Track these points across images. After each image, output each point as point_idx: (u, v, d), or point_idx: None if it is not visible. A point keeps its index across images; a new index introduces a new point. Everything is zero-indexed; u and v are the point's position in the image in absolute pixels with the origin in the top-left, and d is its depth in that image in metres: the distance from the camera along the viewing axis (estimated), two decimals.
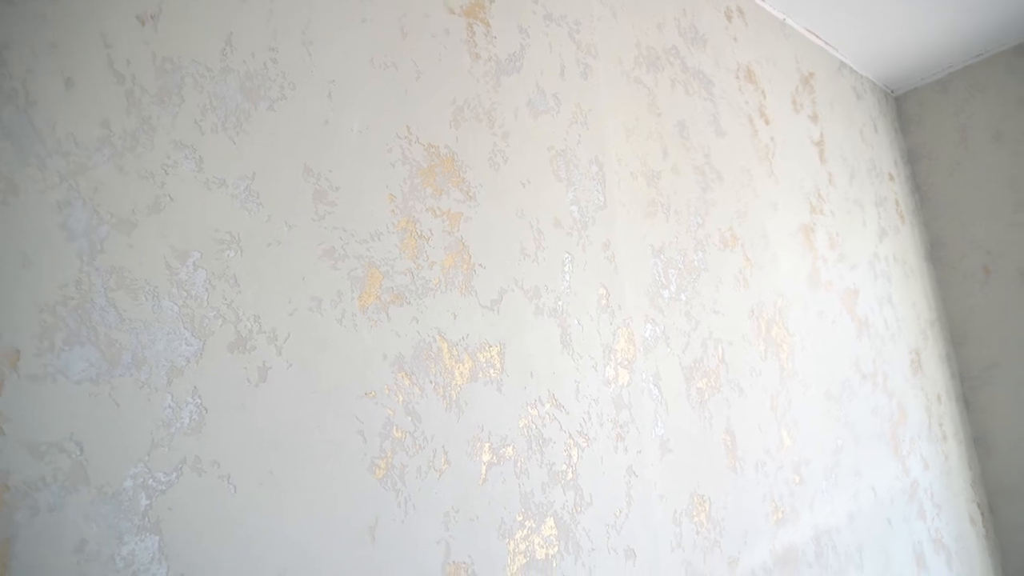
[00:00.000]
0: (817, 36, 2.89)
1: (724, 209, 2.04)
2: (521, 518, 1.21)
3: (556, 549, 1.25)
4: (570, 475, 1.32)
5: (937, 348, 2.96)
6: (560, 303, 1.41)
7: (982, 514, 2.85)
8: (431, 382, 1.16)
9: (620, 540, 1.36)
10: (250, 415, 0.95)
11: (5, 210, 0.83)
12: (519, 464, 1.24)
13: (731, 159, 2.14)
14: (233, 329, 0.97)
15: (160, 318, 0.91)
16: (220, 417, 0.93)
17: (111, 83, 0.94)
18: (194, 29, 1.04)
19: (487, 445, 1.20)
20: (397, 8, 1.32)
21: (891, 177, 3.10)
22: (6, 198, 0.83)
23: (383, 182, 1.20)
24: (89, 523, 0.80)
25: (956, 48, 3.13)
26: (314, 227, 1.09)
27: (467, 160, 1.34)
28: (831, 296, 2.41)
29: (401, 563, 1.04)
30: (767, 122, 2.39)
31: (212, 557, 0.88)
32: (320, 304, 1.07)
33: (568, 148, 1.55)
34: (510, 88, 1.47)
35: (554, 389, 1.34)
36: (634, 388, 1.51)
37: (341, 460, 1.02)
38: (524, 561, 1.19)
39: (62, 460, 0.80)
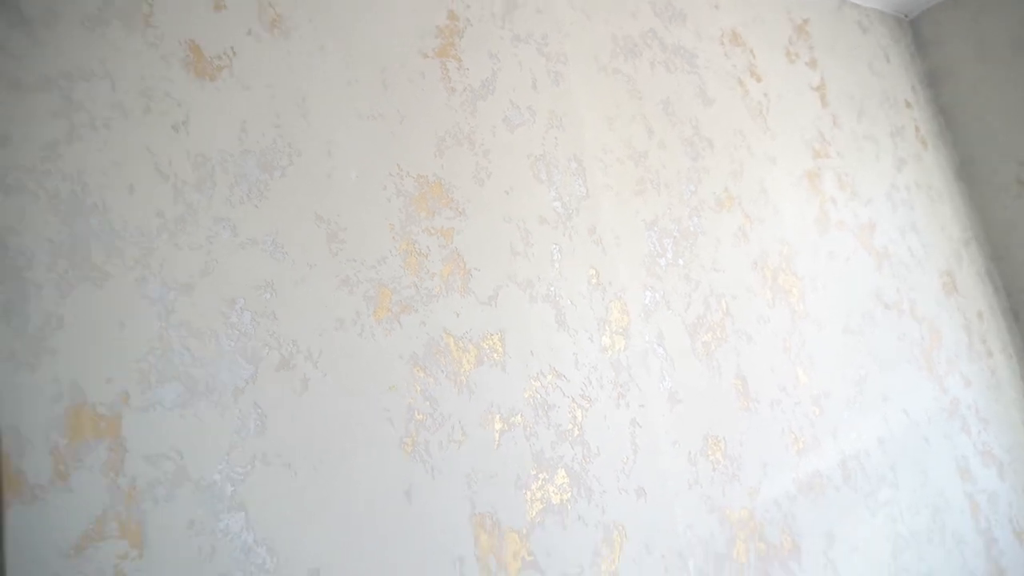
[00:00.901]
0: None
1: (717, 173, 2.20)
2: (535, 472, 1.47)
3: (570, 494, 1.50)
4: (576, 432, 1.56)
5: (974, 267, 2.99)
6: (552, 289, 1.65)
7: None
8: (443, 371, 1.43)
9: (630, 482, 1.59)
10: (300, 417, 1.25)
11: (102, 292, 1.15)
12: (528, 428, 1.49)
13: (721, 124, 2.29)
14: (278, 354, 1.26)
15: (221, 353, 1.21)
16: (277, 421, 1.23)
17: (159, 182, 1.24)
18: (216, 125, 1.33)
19: (497, 416, 1.46)
20: (377, 64, 1.57)
21: (908, 104, 3.12)
22: (102, 283, 1.15)
23: (382, 215, 1.46)
24: (194, 507, 1.12)
25: None
26: (330, 263, 1.37)
27: (453, 182, 1.59)
28: (843, 235, 2.51)
29: (433, 517, 1.32)
30: (759, 80, 2.50)
31: (285, 523, 1.18)
32: (343, 323, 1.35)
33: (547, 152, 1.77)
34: (486, 111, 1.70)
35: (554, 362, 1.58)
36: (632, 352, 1.73)
37: (375, 442, 1.31)
38: (541, 507, 1.45)
39: (168, 465, 1.12)
